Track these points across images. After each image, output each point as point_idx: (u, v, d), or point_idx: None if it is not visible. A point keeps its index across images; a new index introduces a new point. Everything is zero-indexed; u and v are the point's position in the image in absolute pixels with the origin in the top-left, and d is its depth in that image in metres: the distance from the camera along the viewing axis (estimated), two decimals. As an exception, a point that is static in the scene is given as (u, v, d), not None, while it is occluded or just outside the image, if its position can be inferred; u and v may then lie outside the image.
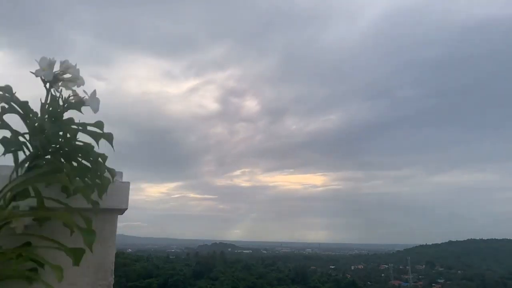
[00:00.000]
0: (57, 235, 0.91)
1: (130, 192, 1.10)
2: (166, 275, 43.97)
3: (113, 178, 0.99)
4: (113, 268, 1.07)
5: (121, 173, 1.14)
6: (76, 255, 0.84)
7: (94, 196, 0.95)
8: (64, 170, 0.90)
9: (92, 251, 0.85)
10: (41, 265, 0.89)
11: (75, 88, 1.00)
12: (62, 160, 0.94)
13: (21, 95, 0.93)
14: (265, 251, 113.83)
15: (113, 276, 1.07)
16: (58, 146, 0.94)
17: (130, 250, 79.50)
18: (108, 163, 0.98)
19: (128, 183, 1.10)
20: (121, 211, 1.11)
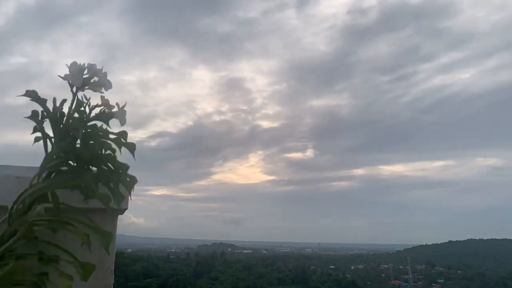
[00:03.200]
0: (69, 243, 0.91)
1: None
2: (166, 275, 44.02)
3: (134, 185, 0.98)
4: (113, 268, 1.07)
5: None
6: (86, 270, 0.85)
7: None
8: (86, 177, 0.91)
9: (109, 254, 0.88)
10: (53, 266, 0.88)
11: (103, 93, 1.00)
12: (85, 167, 0.95)
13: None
14: (265, 251, 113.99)
15: (113, 276, 1.06)
16: (82, 152, 0.94)
17: (130, 250, 79.58)
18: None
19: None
20: (121, 211, 1.10)
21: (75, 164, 0.94)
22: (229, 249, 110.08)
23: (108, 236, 0.89)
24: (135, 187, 0.97)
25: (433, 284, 60.04)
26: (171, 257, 63.41)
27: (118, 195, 0.95)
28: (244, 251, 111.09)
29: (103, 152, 0.96)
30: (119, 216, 1.13)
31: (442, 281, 60.84)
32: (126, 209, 1.10)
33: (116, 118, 0.99)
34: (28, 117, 0.91)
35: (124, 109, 1.00)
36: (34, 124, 0.91)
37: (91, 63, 0.98)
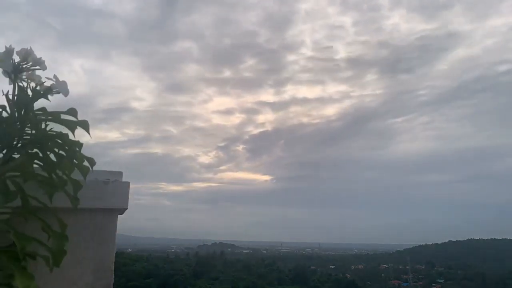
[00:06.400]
0: (41, 231, 0.87)
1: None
2: (166, 275, 43.97)
3: (92, 166, 0.93)
4: (113, 268, 1.07)
5: (121, 173, 1.13)
6: (56, 256, 0.81)
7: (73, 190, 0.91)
8: (36, 161, 0.88)
9: (62, 256, 0.83)
10: (33, 257, 0.83)
11: (39, 73, 0.95)
12: (37, 150, 0.90)
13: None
14: (265, 251, 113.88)
15: (113, 276, 1.07)
16: (30, 137, 0.90)
17: (130, 250, 79.49)
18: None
19: (128, 183, 1.10)
20: (121, 211, 1.11)
21: (24, 150, 0.89)
22: (229, 249, 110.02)
23: (62, 239, 0.83)
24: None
25: (433, 284, 59.94)
26: (171, 257, 63.35)
27: (74, 182, 0.90)
28: (244, 251, 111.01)
29: (54, 134, 0.90)
30: (119, 216, 1.13)
31: (442, 281, 60.74)
32: (126, 208, 1.10)
33: (57, 89, 0.95)
34: None
35: (62, 80, 0.95)
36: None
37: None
